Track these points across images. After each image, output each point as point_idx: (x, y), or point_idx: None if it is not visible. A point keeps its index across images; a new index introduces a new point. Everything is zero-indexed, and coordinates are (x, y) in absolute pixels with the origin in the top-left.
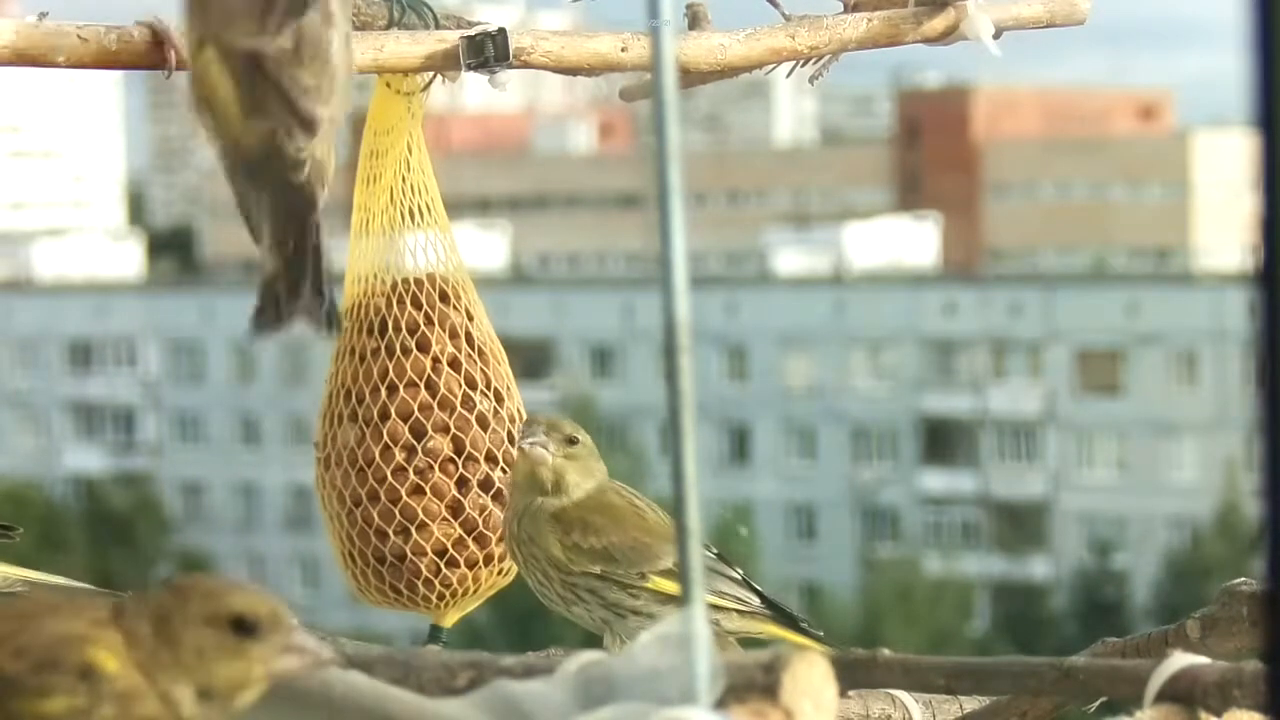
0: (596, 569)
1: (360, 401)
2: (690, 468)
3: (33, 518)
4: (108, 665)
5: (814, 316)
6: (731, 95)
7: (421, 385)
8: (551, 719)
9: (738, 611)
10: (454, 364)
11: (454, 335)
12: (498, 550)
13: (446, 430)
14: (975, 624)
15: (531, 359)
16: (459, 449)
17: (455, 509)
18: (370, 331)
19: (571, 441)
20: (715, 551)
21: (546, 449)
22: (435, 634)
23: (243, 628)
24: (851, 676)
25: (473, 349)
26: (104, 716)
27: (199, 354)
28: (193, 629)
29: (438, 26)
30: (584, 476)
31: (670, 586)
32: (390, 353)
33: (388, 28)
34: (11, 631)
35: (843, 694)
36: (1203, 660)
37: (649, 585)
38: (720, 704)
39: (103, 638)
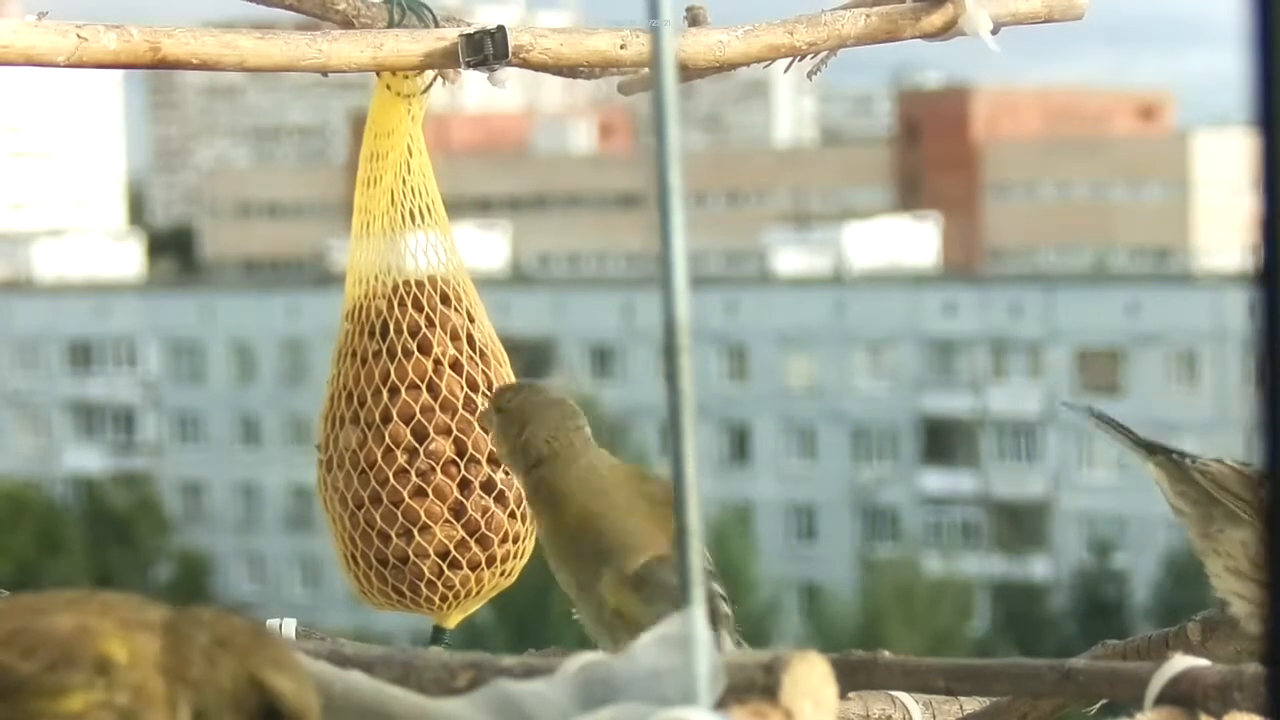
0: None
1: (362, 404)
2: (690, 468)
3: (33, 518)
4: (120, 656)
5: (814, 316)
6: (731, 95)
7: (423, 387)
8: (552, 719)
9: None
10: (455, 366)
11: (455, 337)
12: (499, 552)
13: (448, 432)
14: (975, 624)
15: (531, 359)
16: (461, 451)
17: (457, 511)
18: (371, 334)
19: (499, 410)
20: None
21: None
22: (438, 635)
23: (272, 714)
24: (851, 678)
25: (474, 350)
26: (119, 705)
27: (199, 354)
28: (225, 672)
29: (437, 28)
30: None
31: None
32: (392, 355)
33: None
34: (16, 630)
35: (842, 695)
36: (1203, 663)
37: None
38: (720, 704)
39: (109, 629)
